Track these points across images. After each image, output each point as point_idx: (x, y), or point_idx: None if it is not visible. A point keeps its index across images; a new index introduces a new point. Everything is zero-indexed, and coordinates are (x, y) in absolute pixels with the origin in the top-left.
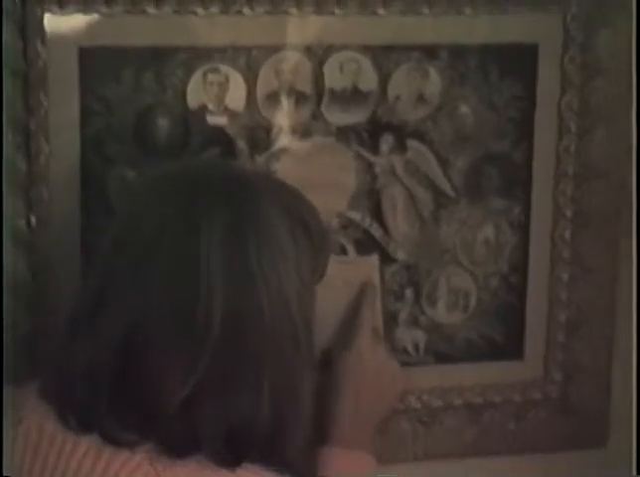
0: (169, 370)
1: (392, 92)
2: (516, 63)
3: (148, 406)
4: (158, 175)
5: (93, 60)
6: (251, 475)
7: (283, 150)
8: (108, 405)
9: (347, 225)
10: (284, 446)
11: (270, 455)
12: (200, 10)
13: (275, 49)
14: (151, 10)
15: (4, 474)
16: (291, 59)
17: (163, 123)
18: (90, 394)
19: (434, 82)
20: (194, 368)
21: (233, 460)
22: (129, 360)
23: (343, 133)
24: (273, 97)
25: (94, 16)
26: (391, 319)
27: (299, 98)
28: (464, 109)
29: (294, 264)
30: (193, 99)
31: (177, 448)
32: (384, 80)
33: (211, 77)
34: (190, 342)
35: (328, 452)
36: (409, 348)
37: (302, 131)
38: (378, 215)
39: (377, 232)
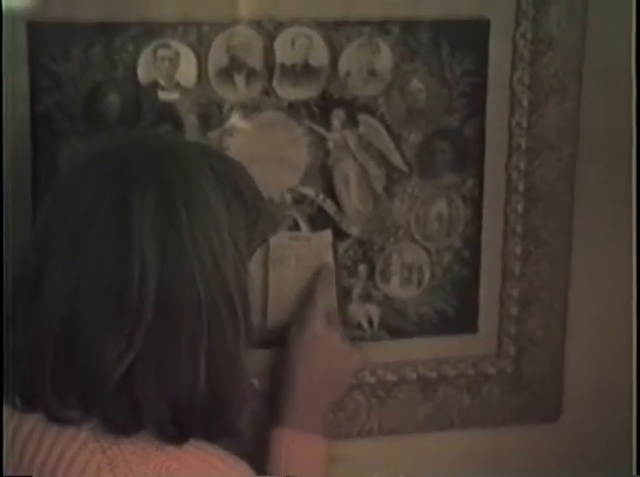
0: (105, 347)
1: (343, 68)
2: (467, 38)
3: (88, 384)
4: (87, 151)
5: (43, 35)
6: (197, 451)
7: (235, 126)
8: (50, 384)
9: (300, 200)
10: (227, 422)
11: (215, 431)
12: None
13: (226, 24)
14: None
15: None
16: (242, 34)
17: (114, 99)
18: (33, 373)
19: (386, 58)
20: (129, 344)
21: (178, 437)
22: (68, 338)
23: (294, 109)
24: (225, 73)
25: None
26: (344, 294)
27: (250, 74)
28: (416, 85)
29: (229, 234)
30: (143, 75)
31: (120, 426)
32: (335, 56)
33: (161, 52)
34: (124, 319)
35: (280, 434)
36: (363, 323)
37: (253, 107)
38: (331, 190)
39: (330, 207)
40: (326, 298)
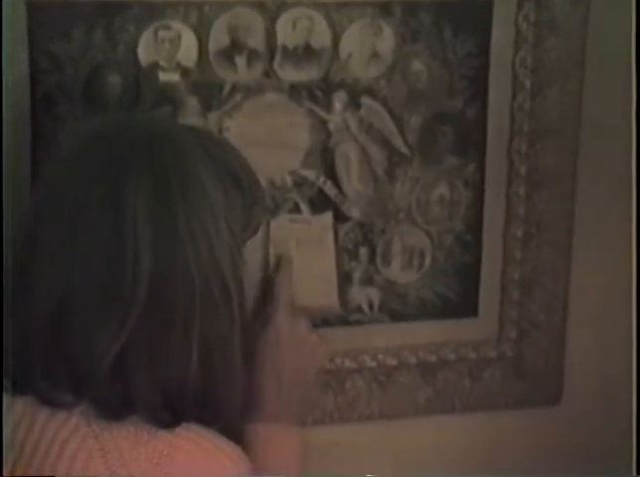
0: (97, 331)
1: (345, 50)
2: (470, 20)
3: (79, 368)
4: (83, 134)
5: (43, 15)
6: (190, 435)
7: (236, 107)
8: (41, 367)
9: (301, 183)
10: (220, 406)
11: (207, 415)
12: None
13: (228, 5)
14: None
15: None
16: (244, 15)
17: (114, 80)
18: (23, 355)
19: (388, 40)
20: (121, 329)
21: (170, 421)
22: (60, 321)
23: (296, 91)
24: (226, 54)
25: None
26: (345, 278)
27: (251, 55)
28: (418, 67)
29: (225, 220)
30: (144, 56)
31: (111, 410)
32: (337, 38)
33: (162, 33)
34: (117, 303)
35: (252, 428)
36: (364, 306)
37: (255, 88)
38: (332, 173)
39: (331, 190)
40: (288, 290)
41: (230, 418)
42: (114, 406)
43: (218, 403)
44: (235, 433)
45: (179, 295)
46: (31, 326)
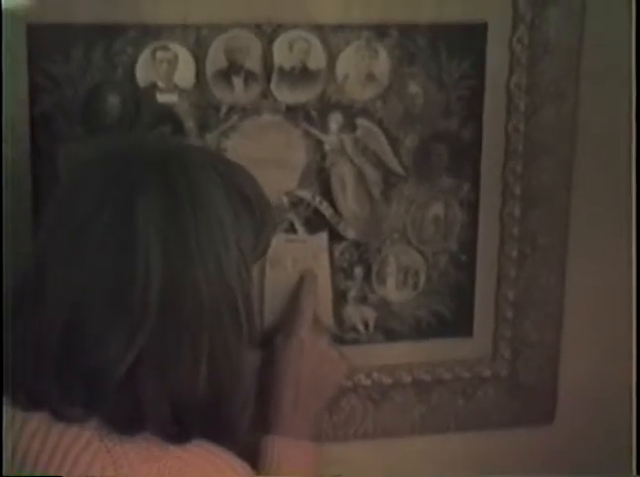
0: (108, 346)
1: (341, 71)
2: (465, 42)
3: (91, 382)
4: (92, 152)
5: (42, 37)
6: (201, 451)
7: (233, 128)
8: (55, 381)
9: (296, 203)
10: (229, 422)
11: (216, 431)
12: None
13: (225, 27)
14: None
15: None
16: (241, 37)
17: (113, 101)
18: (38, 370)
19: (383, 61)
20: (132, 344)
21: (180, 436)
22: (72, 336)
23: (292, 112)
24: (223, 76)
25: None
26: (340, 297)
27: (248, 77)
28: (413, 88)
29: (234, 239)
30: (142, 77)
31: (122, 424)
32: (333, 59)
33: (160, 54)
34: (128, 318)
35: (269, 441)
36: (359, 326)
37: (251, 110)
38: (327, 193)
39: (326, 210)
40: (312, 305)
41: (239, 434)
42: (125, 421)
43: (226, 419)
44: (244, 451)
45: (188, 311)
46: (44, 341)
